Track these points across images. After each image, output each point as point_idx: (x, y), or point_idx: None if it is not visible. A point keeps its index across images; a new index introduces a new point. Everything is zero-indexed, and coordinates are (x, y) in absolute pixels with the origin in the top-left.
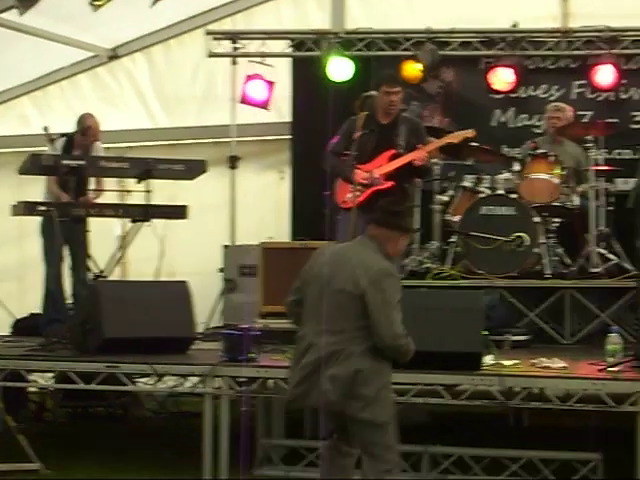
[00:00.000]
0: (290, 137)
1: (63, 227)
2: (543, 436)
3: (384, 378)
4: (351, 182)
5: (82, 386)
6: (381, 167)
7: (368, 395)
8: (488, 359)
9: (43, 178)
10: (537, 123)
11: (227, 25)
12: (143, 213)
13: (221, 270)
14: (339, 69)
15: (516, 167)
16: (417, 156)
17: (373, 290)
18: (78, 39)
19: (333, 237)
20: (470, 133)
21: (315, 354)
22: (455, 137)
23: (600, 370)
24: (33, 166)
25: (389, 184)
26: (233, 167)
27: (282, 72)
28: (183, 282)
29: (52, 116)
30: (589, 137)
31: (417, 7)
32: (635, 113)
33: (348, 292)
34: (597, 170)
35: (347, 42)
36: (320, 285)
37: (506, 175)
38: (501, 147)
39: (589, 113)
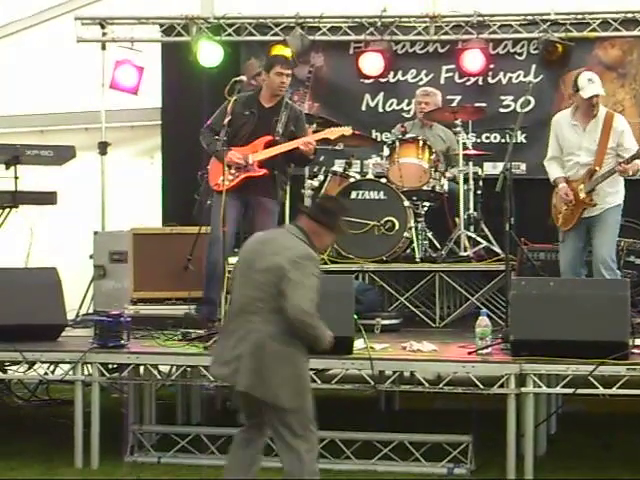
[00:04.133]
0: (160, 123)
1: None
2: (414, 419)
3: (297, 362)
4: (223, 163)
5: None
6: (257, 153)
7: (278, 379)
8: (359, 343)
9: None
10: (406, 108)
11: (96, 10)
12: (11, 199)
13: (91, 257)
14: (208, 54)
15: (386, 152)
16: (304, 144)
17: (290, 268)
18: None
19: (204, 221)
20: (347, 131)
21: (234, 336)
22: (332, 133)
23: (470, 353)
24: None
25: (262, 171)
26: (103, 153)
27: (152, 57)
28: (53, 269)
29: None
30: (458, 121)
31: None
32: (503, 97)
33: (266, 271)
34: (466, 154)
35: (216, 27)
36: (242, 270)
37: (376, 160)
38: (371, 132)
39: (458, 97)
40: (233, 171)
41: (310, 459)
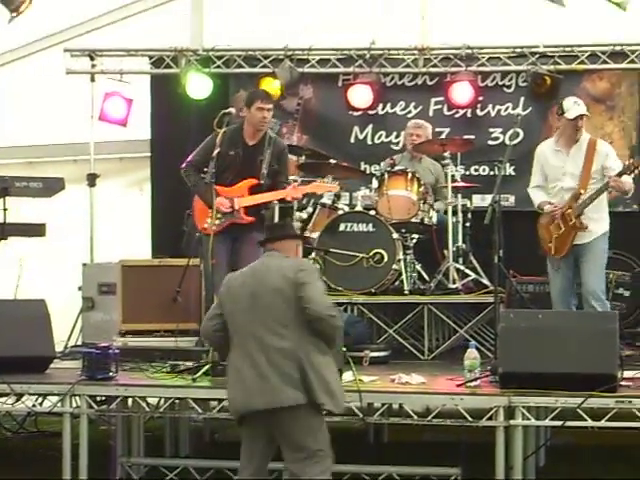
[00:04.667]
0: (149, 155)
1: None
2: (403, 451)
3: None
4: (211, 207)
5: None
6: (243, 198)
7: (331, 387)
8: (347, 375)
9: None
10: (395, 140)
11: (85, 43)
12: (0, 231)
13: (80, 288)
14: (198, 86)
15: (374, 184)
16: (291, 198)
17: (300, 276)
18: None
19: (192, 253)
20: (334, 188)
21: (262, 362)
22: (319, 188)
23: (458, 385)
24: None
25: (250, 219)
26: (92, 185)
27: (141, 89)
28: (41, 301)
29: None
30: (446, 154)
31: (276, 25)
32: (492, 130)
33: (276, 291)
34: (455, 187)
35: (205, 59)
36: (247, 301)
37: (364, 192)
38: (360, 164)
39: (446, 130)
40: (219, 215)
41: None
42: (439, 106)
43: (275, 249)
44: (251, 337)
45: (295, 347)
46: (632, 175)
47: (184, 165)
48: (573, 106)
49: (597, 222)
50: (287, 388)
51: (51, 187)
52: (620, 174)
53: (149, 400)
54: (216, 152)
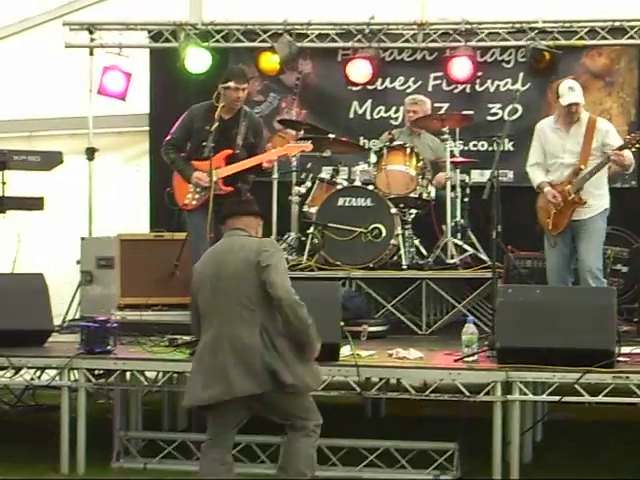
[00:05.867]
0: (148, 129)
1: None
2: (401, 426)
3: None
4: (190, 183)
5: None
6: (220, 169)
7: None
8: (345, 350)
9: None
10: (394, 115)
11: (84, 16)
12: None
13: (78, 262)
14: (197, 61)
15: (373, 159)
16: (266, 160)
17: (263, 258)
18: None
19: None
20: (307, 147)
21: (224, 349)
22: (290, 149)
23: (456, 360)
24: None
25: (228, 189)
26: (90, 159)
27: (140, 63)
28: (39, 274)
29: None
30: (445, 129)
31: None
32: (491, 105)
33: (237, 274)
34: (453, 162)
35: (204, 34)
36: (210, 285)
37: (363, 167)
38: (359, 139)
39: (445, 105)
40: (199, 189)
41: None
42: (438, 81)
43: (237, 226)
44: (215, 321)
45: (258, 332)
46: (632, 149)
47: (163, 143)
48: (567, 92)
49: (597, 198)
50: (246, 378)
51: (49, 161)
52: (621, 148)
53: (147, 374)
54: (215, 126)
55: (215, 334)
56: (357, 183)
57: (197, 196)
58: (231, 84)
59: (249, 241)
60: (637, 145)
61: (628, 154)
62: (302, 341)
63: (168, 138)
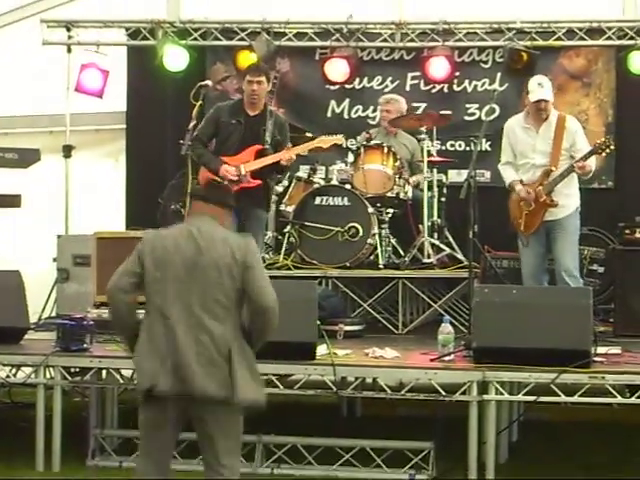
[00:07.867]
0: (125, 127)
1: None
2: (376, 425)
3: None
4: (218, 176)
5: None
6: (248, 163)
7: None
8: (321, 349)
9: None
10: (372, 114)
11: (62, 14)
12: None
13: (55, 260)
14: (174, 58)
15: (350, 158)
16: (284, 157)
17: (250, 259)
18: None
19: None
20: (339, 140)
21: (187, 340)
22: (324, 142)
23: (432, 360)
24: None
25: (257, 182)
26: (67, 156)
27: (117, 61)
28: (16, 271)
29: None
30: (422, 128)
31: None
32: (468, 105)
33: (224, 269)
34: (430, 161)
35: (182, 31)
36: (184, 264)
37: (340, 166)
38: None
39: (423, 105)
40: (227, 183)
41: None
42: (416, 81)
43: (207, 212)
44: (181, 309)
45: (229, 333)
46: (603, 154)
47: (190, 140)
48: (536, 89)
49: (569, 197)
50: (207, 378)
51: (27, 158)
52: (591, 153)
53: (123, 372)
54: (192, 124)
55: (180, 321)
56: (334, 182)
57: None
58: (247, 77)
59: (232, 235)
60: (607, 150)
61: (590, 163)
62: (255, 345)
63: (195, 135)
